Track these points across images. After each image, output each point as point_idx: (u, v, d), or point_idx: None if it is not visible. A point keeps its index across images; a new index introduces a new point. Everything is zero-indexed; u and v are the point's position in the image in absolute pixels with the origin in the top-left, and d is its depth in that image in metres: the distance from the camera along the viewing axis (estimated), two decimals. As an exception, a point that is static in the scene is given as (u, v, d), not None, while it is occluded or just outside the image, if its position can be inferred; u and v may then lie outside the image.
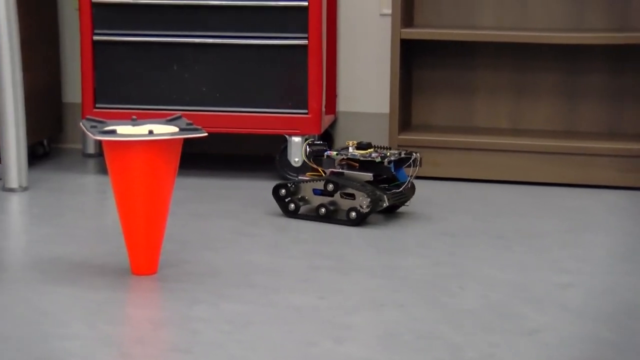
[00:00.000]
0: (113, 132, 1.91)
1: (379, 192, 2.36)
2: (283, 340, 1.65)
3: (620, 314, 1.80)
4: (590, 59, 2.97)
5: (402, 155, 2.45)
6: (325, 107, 3.01)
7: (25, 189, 2.65)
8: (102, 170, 2.91)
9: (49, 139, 3.13)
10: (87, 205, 2.51)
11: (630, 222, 2.43)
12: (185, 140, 3.17)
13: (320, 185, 2.41)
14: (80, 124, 2.02)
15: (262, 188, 2.72)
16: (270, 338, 1.66)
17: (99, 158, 3.08)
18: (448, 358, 1.59)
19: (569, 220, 2.43)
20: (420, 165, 2.46)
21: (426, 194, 2.67)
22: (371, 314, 1.78)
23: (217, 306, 1.81)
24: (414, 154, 2.46)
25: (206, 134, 1.93)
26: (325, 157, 2.48)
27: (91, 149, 3.11)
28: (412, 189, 2.46)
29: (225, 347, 1.62)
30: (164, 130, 1.96)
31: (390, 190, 2.40)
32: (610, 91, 2.97)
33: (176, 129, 1.96)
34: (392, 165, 2.42)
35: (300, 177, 2.49)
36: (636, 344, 1.66)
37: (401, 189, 2.41)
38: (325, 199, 2.41)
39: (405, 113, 2.99)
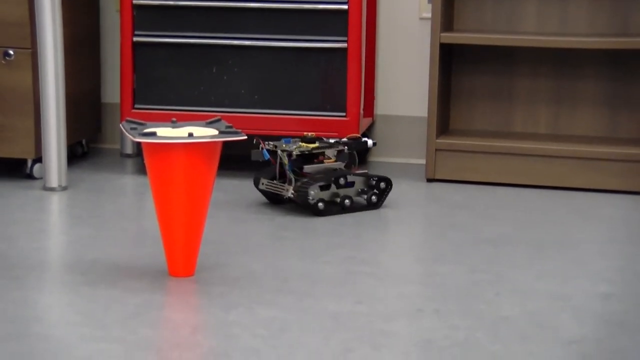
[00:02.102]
0: (153, 134, 1.91)
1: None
2: (319, 347, 1.65)
3: (659, 325, 1.79)
4: (631, 65, 2.95)
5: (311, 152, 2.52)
6: (364, 110, 3.01)
7: (64, 188, 2.67)
8: (140, 170, 2.92)
9: (88, 139, 3.15)
10: (126, 206, 2.52)
11: (670, 231, 2.40)
12: (225, 142, 3.18)
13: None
14: (121, 125, 2.02)
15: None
16: (306, 344, 1.66)
17: (137, 158, 3.09)
18: (485, 367, 1.58)
19: (609, 229, 2.41)
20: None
21: (463, 200, 2.66)
22: (408, 320, 1.78)
23: (253, 311, 1.81)
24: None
25: (246, 137, 1.93)
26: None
27: (129, 150, 3.12)
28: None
29: (261, 353, 1.62)
30: (203, 132, 1.96)
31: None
32: (651, 98, 2.95)
33: (216, 132, 1.96)
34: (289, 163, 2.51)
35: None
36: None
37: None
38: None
39: (444, 117, 2.98)
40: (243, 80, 2.78)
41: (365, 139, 2.59)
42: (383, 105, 3.12)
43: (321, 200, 2.47)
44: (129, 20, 2.79)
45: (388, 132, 3.13)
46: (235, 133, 1.94)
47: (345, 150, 2.56)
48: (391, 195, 2.69)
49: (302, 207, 2.53)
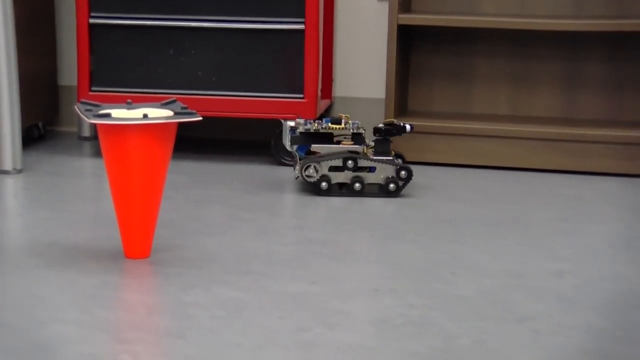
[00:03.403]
0: (108, 115, 1.90)
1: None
2: (275, 326, 1.65)
3: (614, 302, 1.80)
4: (589, 46, 2.97)
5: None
6: (321, 91, 3.01)
7: (19, 171, 2.65)
8: (98, 153, 2.91)
9: (44, 121, 3.13)
10: (83, 189, 2.51)
11: (628, 211, 2.42)
12: (181, 124, 3.17)
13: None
14: (75, 107, 2.01)
15: (256, 173, 2.71)
16: (263, 324, 1.66)
17: (95, 141, 3.08)
18: (440, 344, 1.59)
19: (565, 208, 2.43)
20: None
21: (422, 180, 2.67)
22: (364, 300, 1.78)
23: (210, 291, 1.81)
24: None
25: (201, 118, 1.93)
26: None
27: (87, 132, 3.10)
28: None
29: (218, 333, 1.61)
30: (158, 114, 1.95)
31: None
32: (610, 79, 2.97)
33: (171, 113, 1.95)
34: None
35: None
36: (630, 332, 1.66)
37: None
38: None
39: (402, 99, 2.98)
40: (200, 62, 2.77)
41: (405, 123, 2.54)
42: (341, 87, 3.12)
43: (326, 180, 2.46)
44: (84, 1, 2.77)
45: (346, 113, 3.13)
46: (190, 114, 1.93)
47: (360, 135, 2.54)
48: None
49: (308, 186, 2.53)
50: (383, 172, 2.49)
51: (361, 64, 3.10)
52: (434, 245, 2.12)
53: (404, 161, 2.56)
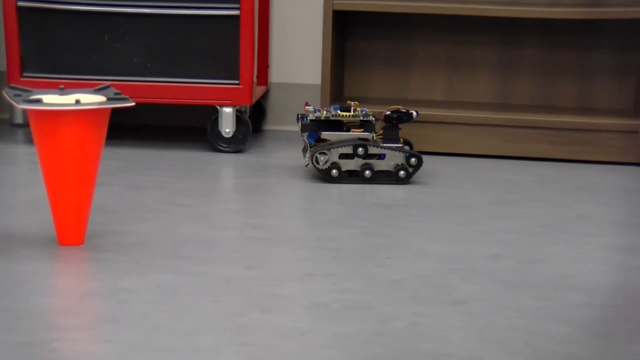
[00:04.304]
0: (39, 101, 1.88)
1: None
2: (210, 311, 1.64)
3: (545, 283, 1.82)
4: (525, 32, 2.99)
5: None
6: (257, 77, 3.00)
7: (-48, 159, 2.61)
8: (31, 140, 2.87)
9: (-23, 109, 3.09)
10: (15, 176, 2.48)
11: (560, 194, 2.45)
12: (117, 110, 3.14)
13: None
14: (3, 92, 1.98)
15: (194, 159, 2.70)
16: (197, 308, 1.65)
17: (28, 128, 3.04)
18: (374, 328, 1.59)
19: (500, 192, 2.45)
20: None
21: (358, 166, 2.67)
22: (299, 284, 1.78)
23: (145, 277, 1.79)
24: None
25: (134, 104, 1.91)
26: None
27: (19, 119, 3.06)
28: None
29: (152, 317, 1.60)
30: (91, 99, 1.93)
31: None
32: (545, 65, 2.99)
33: (104, 99, 1.94)
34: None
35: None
36: (559, 311, 1.68)
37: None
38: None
39: (338, 84, 2.99)
40: (135, 48, 2.75)
41: (411, 110, 2.54)
42: (278, 73, 3.12)
43: (336, 167, 2.46)
44: (16, -14, 2.73)
45: (283, 100, 3.12)
46: (124, 100, 1.92)
47: (370, 122, 2.54)
48: (285, 163, 2.69)
49: (318, 173, 2.54)
50: (393, 159, 2.49)
51: (297, 50, 3.10)
52: (369, 229, 2.12)
53: (412, 148, 2.57)
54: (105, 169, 2.57)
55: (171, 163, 2.65)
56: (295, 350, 1.50)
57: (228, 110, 2.76)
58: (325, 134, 2.53)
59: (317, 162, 2.48)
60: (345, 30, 3.03)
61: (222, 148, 2.80)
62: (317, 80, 3.09)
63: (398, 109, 2.54)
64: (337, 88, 2.96)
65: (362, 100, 2.98)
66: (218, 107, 2.77)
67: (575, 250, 2.02)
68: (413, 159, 2.49)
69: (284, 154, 2.79)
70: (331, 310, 1.66)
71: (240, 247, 1.98)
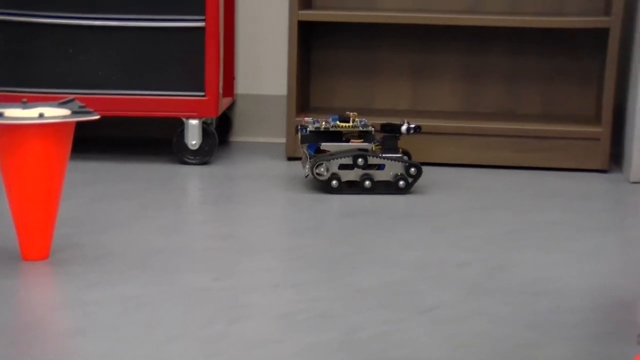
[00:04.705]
0: (0, 115, 1.87)
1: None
2: (178, 321, 1.64)
3: (513, 289, 1.83)
4: (489, 41, 3.00)
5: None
6: (223, 89, 2.99)
7: None
8: (-4, 155, 2.85)
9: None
10: (-20, 191, 2.46)
11: (526, 201, 2.46)
12: (82, 123, 3.13)
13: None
14: (-32, 106, 1.97)
15: (158, 171, 2.69)
16: (164, 319, 1.64)
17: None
18: (342, 337, 1.59)
19: (467, 200, 2.46)
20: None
21: (325, 176, 2.67)
22: (268, 294, 1.78)
23: (112, 288, 1.78)
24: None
25: (98, 117, 1.90)
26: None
27: (-15, 134, 3.04)
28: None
29: (119, 329, 1.60)
30: (55, 113, 1.92)
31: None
32: (509, 73, 3.01)
33: (68, 112, 1.93)
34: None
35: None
36: (527, 316, 1.68)
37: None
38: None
39: (304, 95, 2.99)
40: (100, 61, 2.74)
41: (401, 124, 2.55)
42: (244, 84, 3.12)
43: (336, 178, 2.46)
44: (-21, 0, 2.72)
45: (249, 111, 3.12)
46: (88, 113, 1.91)
47: (370, 133, 2.55)
48: (252, 174, 2.69)
49: (318, 185, 2.55)
50: (392, 169, 2.49)
51: (263, 61, 3.10)
52: (338, 238, 2.12)
53: (410, 158, 2.58)
54: (70, 182, 2.55)
55: (137, 175, 2.64)
56: (264, 360, 1.50)
57: (194, 122, 2.76)
58: (324, 145, 2.54)
59: (317, 174, 2.48)
60: (310, 40, 3.03)
61: (189, 160, 2.79)
62: (283, 91, 3.09)
63: (390, 123, 2.57)
64: (303, 98, 2.96)
65: (328, 111, 2.98)
66: (184, 119, 2.76)
67: (543, 255, 2.03)
68: (413, 169, 2.49)
69: (251, 165, 2.79)
70: (300, 320, 1.66)
71: (208, 258, 1.97)
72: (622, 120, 2.90)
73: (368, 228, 2.20)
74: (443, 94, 3.03)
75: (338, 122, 2.54)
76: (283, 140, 3.11)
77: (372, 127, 2.56)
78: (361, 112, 2.96)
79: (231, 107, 3.13)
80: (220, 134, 3.08)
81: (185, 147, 2.78)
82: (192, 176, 2.66)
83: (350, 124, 2.54)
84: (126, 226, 2.18)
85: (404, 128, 2.53)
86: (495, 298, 1.78)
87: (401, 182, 2.49)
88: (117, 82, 2.74)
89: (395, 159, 2.50)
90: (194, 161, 2.79)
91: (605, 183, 2.67)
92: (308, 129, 2.55)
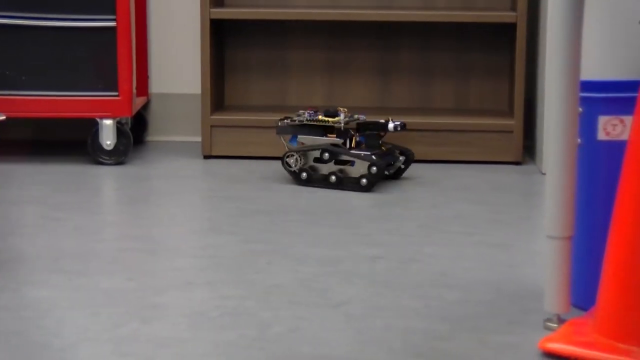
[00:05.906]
0: None
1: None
2: (89, 323, 1.63)
3: (423, 282, 1.85)
4: (401, 36, 3.02)
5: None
6: (137, 88, 2.98)
7: None
8: None
9: None
10: None
11: (438, 194, 2.48)
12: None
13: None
14: None
15: (71, 172, 2.67)
16: (75, 321, 1.63)
17: None
18: (254, 334, 1.60)
19: (379, 195, 2.48)
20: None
21: (239, 174, 2.68)
22: (179, 293, 1.78)
23: (20, 292, 1.77)
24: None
25: (4, 117, 1.88)
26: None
27: None
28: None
29: (26, 334, 1.58)
30: (-39, 114, 1.90)
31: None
32: (422, 67, 3.03)
33: (-26, 113, 1.90)
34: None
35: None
36: (437, 309, 1.70)
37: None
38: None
39: (218, 94, 2.98)
40: (10, 61, 2.70)
41: (383, 120, 2.55)
42: (158, 84, 3.10)
43: (306, 171, 2.49)
44: None
45: (164, 110, 3.11)
46: (-4, 113, 1.89)
47: (347, 130, 2.55)
48: (167, 173, 2.68)
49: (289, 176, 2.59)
50: (361, 166, 2.49)
51: (176, 60, 3.09)
52: (250, 235, 2.12)
53: (408, 157, 2.59)
54: (-19, 185, 2.52)
55: (49, 177, 2.62)
56: (176, 359, 1.49)
57: (108, 122, 2.74)
58: (301, 137, 2.55)
59: (288, 165, 2.50)
60: (225, 39, 3.03)
61: (104, 161, 2.77)
62: (198, 90, 3.08)
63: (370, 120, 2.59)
64: (218, 97, 2.96)
65: (243, 109, 2.98)
66: (98, 120, 2.74)
67: (452, 249, 2.05)
68: (373, 168, 2.49)
69: (166, 165, 2.78)
70: (211, 318, 1.66)
71: (119, 259, 1.96)
72: (533, 113, 2.94)
73: (279, 225, 2.20)
74: (357, 90, 3.05)
75: (320, 116, 2.55)
76: (199, 138, 3.10)
77: (359, 123, 2.58)
78: (275, 110, 2.97)
79: (146, 106, 3.11)
80: (135, 134, 3.06)
81: (100, 147, 2.76)
82: (107, 177, 2.64)
83: (337, 118, 2.55)
84: (35, 229, 2.16)
85: (390, 126, 2.54)
86: (405, 292, 1.80)
87: (363, 180, 2.49)
88: (27, 82, 2.71)
89: (362, 157, 2.50)
90: (109, 162, 2.77)
91: (518, 175, 2.70)
92: (286, 121, 2.57)
